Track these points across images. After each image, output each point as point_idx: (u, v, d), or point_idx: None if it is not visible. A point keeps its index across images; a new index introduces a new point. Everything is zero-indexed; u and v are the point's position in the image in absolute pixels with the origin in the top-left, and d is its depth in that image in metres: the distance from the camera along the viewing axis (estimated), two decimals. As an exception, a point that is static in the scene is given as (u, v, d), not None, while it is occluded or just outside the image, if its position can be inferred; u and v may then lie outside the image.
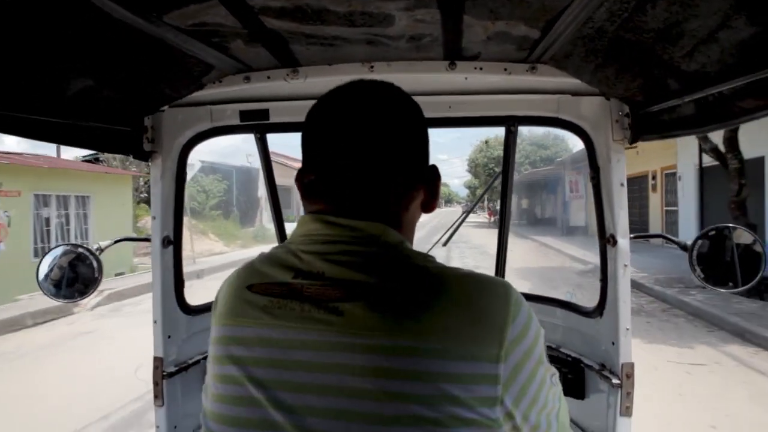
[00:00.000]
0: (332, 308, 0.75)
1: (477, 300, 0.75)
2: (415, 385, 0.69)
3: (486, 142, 39.20)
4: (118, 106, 1.47)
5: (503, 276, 2.12)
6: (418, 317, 0.73)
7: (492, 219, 35.38)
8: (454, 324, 0.72)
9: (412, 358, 0.70)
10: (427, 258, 0.82)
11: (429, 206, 0.91)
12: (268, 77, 1.49)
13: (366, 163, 0.84)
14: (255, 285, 0.83)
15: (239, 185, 30.23)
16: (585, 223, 22.73)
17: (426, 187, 0.89)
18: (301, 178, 0.90)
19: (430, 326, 0.72)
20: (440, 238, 2.32)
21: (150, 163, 1.71)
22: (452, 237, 2.32)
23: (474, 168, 43.36)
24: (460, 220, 2.36)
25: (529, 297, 2.10)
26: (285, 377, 0.75)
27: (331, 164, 0.85)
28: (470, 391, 0.70)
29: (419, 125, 0.89)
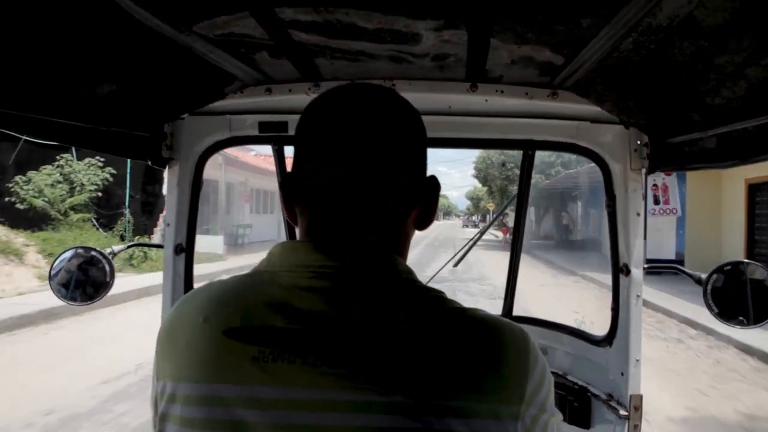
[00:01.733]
0: (342, 360, 0.63)
1: (501, 352, 0.68)
2: None
3: (503, 164, 35.10)
4: (140, 112, 1.49)
5: (512, 309, 2.11)
6: (440, 370, 0.64)
7: (507, 237, 28.52)
8: (478, 379, 0.65)
9: (440, 420, 0.62)
10: (441, 294, 0.73)
11: (426, 222, 0.80)
12: (290, 90, 1.50)
13: (368, 175, 0.73)
14: (236, 330, 0.67)
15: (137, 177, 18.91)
16: (675, 251, 14.61)
17: (424, 201, 0.79)
18: (289, 185, 0.79)
19: (454, 381, 0.64)
20: (452, 258, 2.31)
21: (167, 170, 1.72)
22: (463, 258, 2.31)
23: (482, 174, 38.00)
24: (473, 240, 2.35)
25: (538, 322, 2.09)
26: None
27: (326, 174, 0.73)
28: None
29: (421, 133, 0.80)
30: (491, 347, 0.68)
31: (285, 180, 0.80)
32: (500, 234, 30.52)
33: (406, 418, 0.61)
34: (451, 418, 0.62)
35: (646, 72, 1.15)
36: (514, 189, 23.31)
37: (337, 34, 1.12)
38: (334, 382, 0.62)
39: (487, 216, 73.12)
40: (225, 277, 0.78)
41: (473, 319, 0.70)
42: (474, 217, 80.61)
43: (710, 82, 1.07)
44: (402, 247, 0.78)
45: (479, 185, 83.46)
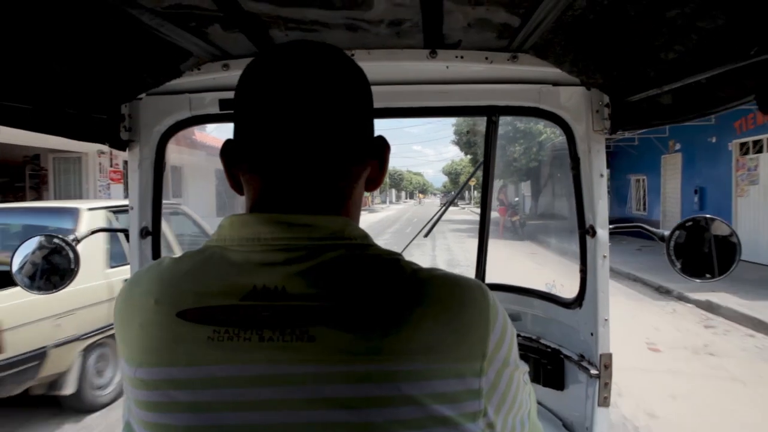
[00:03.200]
0: (300, 333, 0.62)
1: (459, 310, 0.66)
2: (405, 410, 0.61)
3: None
4: (94, 92, 1.45)
5: (484, 279, 2.12)
6: (399, 334, 0.62)
7: (514, 220, 22.47)
8: (438, 339, 0.63)
9: (399, 383, 0.61)
10: (396, 257, 0.71)
11: (377, 182, 0.79)
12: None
13: (315, 136, 0.70)
14: (189, 311, 0.65)
15: None
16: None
17: (374, 161, 0.77)
18: (230, 151, 0.76)
19: (414, 344, 0.62)
20: (421, 230, 2.31)
21: (127, 153, 1.69)
22: (433, 229, 2.32)
23: (464, 139, 32.01)
24: (441, 210, 2.36)
25: (510, 288, 2.11)
26: (253, 420, 0.62)
27: (271, 138, 0.70)
28: (457, 409, 0.64)
29: (366, 90, 0.77)
30: (450, 305, 0.66)
31: (226, 148, 0.76)
32: (499, 215, 22.71)
33: (366, 386, 0.61)
34: (413, 382, 0.61)
35: (601, 30, 1.15)
36: (502, 155, 21.93)
37: (287, 2, 1.10)
38: (291, 355, 0.61)
39: (469, 193, 68.61)
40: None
41: (430, 279, 0.68)
42: (451, 194, 78.07)
43: (663, 37, 1.08)
44: (355, 209, 0.77)
45: (456, 159, 78.22)
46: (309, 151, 0.70)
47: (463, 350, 0.65)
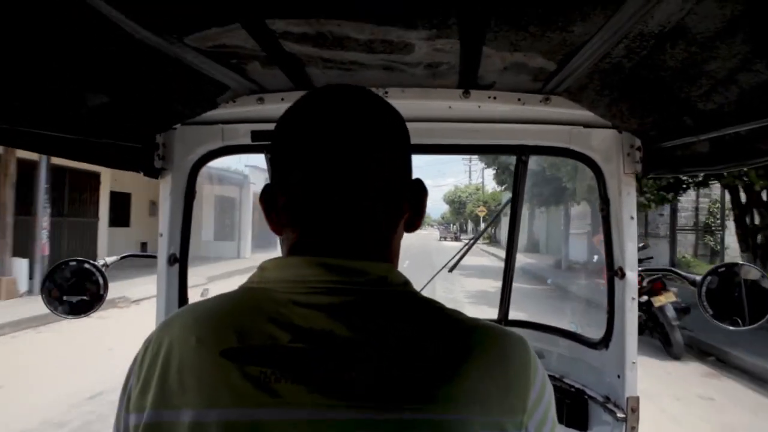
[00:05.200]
0: (348, 379, 0.61)
1: (503, 363, 0.66)
2: None
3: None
4: (132, 123, 1.48)
5: (507, 316, 2.11)
6: (448, 385, 0.62)
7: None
8: (484, 391, 0.63)
9: None
10: (440, 305, 0.71)
11: (415, 225, 0.78)
12: (282, 99, 1.50)
13: (357, 181, 0.70)
14: (234, 350, 0.63)
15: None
16: None
17: (411, 205, 0.76)
18: (270, 197, 0.75)
19: (461, 396, 0.61)
20: (445, 265, 2.31)
21: (159, 181, 1.71)
22: (458, 264, 2.32)
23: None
24: (467, 247, 2.36)
25: (534, 326, 2.09)
26: None
27: (313, 183, 0.70)
28: None
29: (405, 134, 0.77)
30: (495, 358, 0.66)
31: (265, 191, 0.76)
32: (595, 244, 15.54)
33: None
34: (459, 430, 0.60)
35: (637, 78, 1.16)
36: (546, 192, 19.92)
37: (328, 45, 1.12)
38: (338, 402, 0.60)
39: (467, 226, 60.86)
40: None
41: (476, 329, 0.68)
42: (453, 227, 65.80)
43: (702, 88, 1.08)
44: (394, 253, 0.77)
45: (461, 185, 66.28)
46: (353, 197, 0.70)
47: (506, 404, 0.64)
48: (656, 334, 7.99)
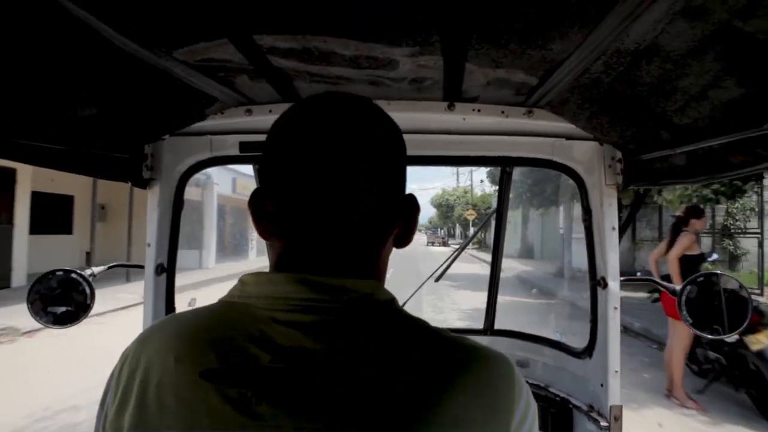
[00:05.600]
0: (331, 401, 0.59)
1: (488, 383, 0.64)
2: None
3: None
4: (120, 134, 1.49)
5: (493, 325, 2.13)
6: (433, 406, 0.60)
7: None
8: (469, 412, 0.61)
9: None
10: (423, 323, 0.69)
11: (405, 241, 0.76)
12: (270, 111, 1.51)
13: (344, 196, 0.67)
14: (213, 371, 0.61)
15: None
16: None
17: (403, 220, 0.74)
18: (259, 202, 0.72)
19: (447, 416, 0.60)
20: (431, 276, 2.33)
21: (148, 191, 1.72)
22: (444, 274, 2.33)
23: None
24: (453, 256, 2.38)
25: (519, 335, 2.11)
26: None
27: (300, 196, 0.68)
28: None
29: (401, 147, 0.75)
30: (480, 378, 0.64)
31: (254, 197, 0.73)
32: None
33: None
34: None
35: (616, 92, 1.19)
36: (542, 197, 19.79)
37: (315, 61, 1.14)
38: (320, 425, 0.58)
39: (455, 231, 58.75)
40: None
41: (461, 350, 0.67)
42: (441, 232, 64.44)
43: (677, 103, 1.11)
44: (381, 270, 0.75)
45: (448, 189, 62.29)
46: (342, 212, 0.68)
47: (491, 425, 0.63)
48: (745, 386, 5.44)
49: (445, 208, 59.46)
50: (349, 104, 0.72)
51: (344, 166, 0.67)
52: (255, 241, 24.71)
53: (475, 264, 23.86)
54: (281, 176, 0.69)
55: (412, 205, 0.76)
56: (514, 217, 34.82)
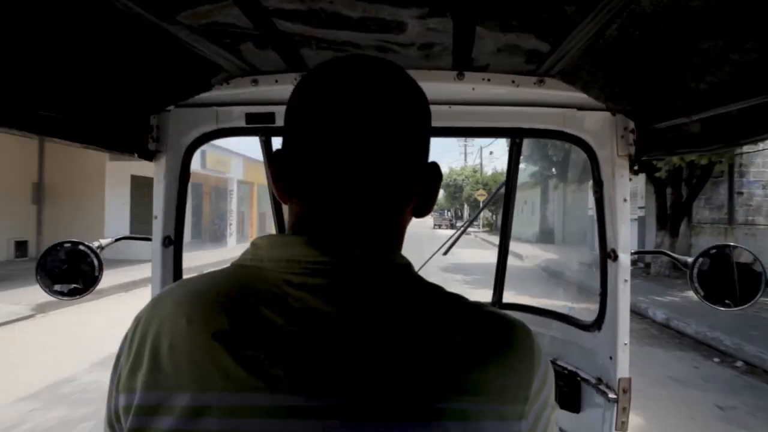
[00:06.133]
0: (346, 364, 0.58)
1: (507, 351, 0.63)
2: None
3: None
4: (125, 104, 1.47)
5: (501, 299, 2.12)
6: (446, 371, 0.59)
7: None
8: (486, 380, 0.60)
9: (447, 422, 0.57)
10: (440, 288, 0.68)
11: (426, 210, 0.74)
12: (276, 81, 1.49)
13: (374, 160, 0.66)
14: (225, 332, 0.60)
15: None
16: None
17: (425, 189, 0.73)
18: (279, 163, 0.71)
19: (464, 383, 0.59)
20: (439, 248, 2.31)
21: (153, 163, 1.71)
22: (452, 247, 2.32)
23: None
24: (460, 231, 2.36)
25: (528, 309, 2.10)
26: None
27: (317, 153, 0.67)
28: None
29: (427, 112, 0.74)
30: (499, 345, 0.63)
31: (275, 158, 0.72)
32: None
33: (408, 424, 0.57)
34: (459, 421, 0.57)
35: (631, 58, 1.16)
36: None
37: (321, 24, 1.12)
38: (334, 387, 0.57)
39: (464, 212, 53.78)
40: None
41: (479, 314, 0.66)
42: (448, 213, 58.96)
43: (694, 68, 1.08)
44: (399, 237, 0.73)
45: (456, 168, 59.40)
46: (365, 175, 0.67)
47: (508, 393, 0.62)
48: None
49: (452, 188, 56.04)
50: (368, 66, 0.71)
51: (353, 127, 0.66)
52: (234, 225, 22.80)
53: (487, 250, 20.87)
54: (300, 137, 0.69)
55: (434, 173, 0.73)
56: (531, 196, 33.23)
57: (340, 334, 0.60)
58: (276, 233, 0.70)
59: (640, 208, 17.12)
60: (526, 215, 34.14)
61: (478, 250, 21.13)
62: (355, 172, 0.66)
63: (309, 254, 0.64)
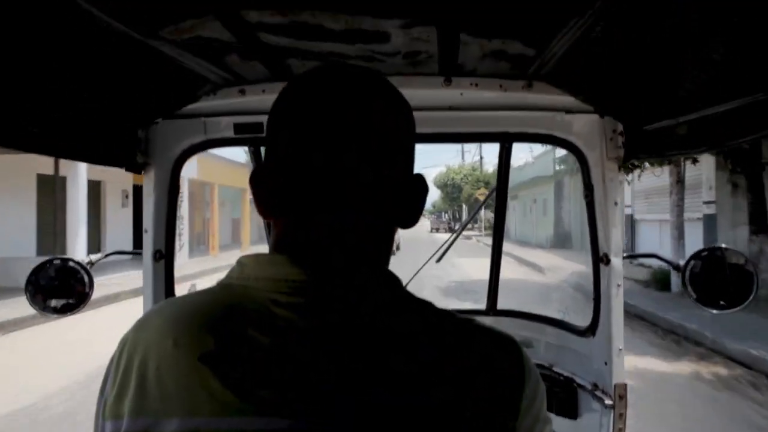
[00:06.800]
0: (336, 383, 0.57)
1: (495, 366, 0.63)
2: None
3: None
4: (111, 118, 1.47)
5: (495, 305, 2.12)
6: (439, 388, 0.59)
7: None
8: (475, 394, 0.60)
9: None
10: (429, 303, 0.67)
11: (412, 222, 0.73)
12: (263, 91, 1.49)
13: (356, 176, 0.66)
14: (211, 354, 0.59)
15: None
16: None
17: (410, 201, 0.72)
18: (261, 180, 0.69)
19: (449, 397, 0.58)
20: (432, 256, 2.31)
21: (142, 176, 1.70)
22: (445, 254, 2.31)
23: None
24: (453, 237, 2.36)
25: (522, 315, 2.09)
26: None
27: (301, 171, 0.66)
28: None
29: (411, 123, 0.73)
30: (487, 362, 0.63)
31: (256, 174, 0.70)
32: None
33: None
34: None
35: (617, 60, 1.16)
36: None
37: (305, 36, 1.12)
38: (324, 410, 0.56)
39: (461, 214, 51.64)
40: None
41: (468, 330, 0.65)
42: (445, 216, 58.36)
43: (679, 69, 1.08)
44: (385, 252, 0.72)
45: (454, 166, 54.31)
46: (347, 191, 0.66)
47: (496, 407, 0.61)
48: None
49: (450, 188, 52.46)
50: (354, 75, 0.70)
51: (337, 143, 0.65)
52: (185, 236, 18.36)
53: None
54: (285, 152, 0.67)
55: (419, 184, 0.73)
56: (542, 193, 29.14)
57: (328, 354, 0.59)
58: (261, 253, 0.69)
59: (706, 203, 12.91)
60: (536, 215, 31.09)
61: (484, 260, 18.85)
62: (345, 189, 0.66)
63: (295, 273, 0.63)
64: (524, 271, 16.73)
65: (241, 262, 0.68)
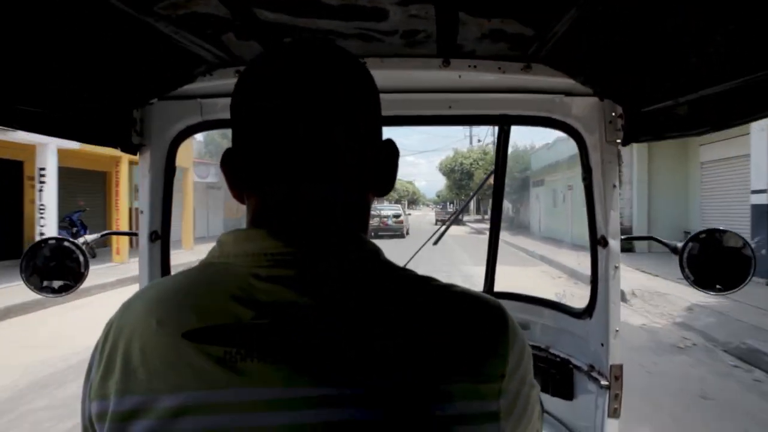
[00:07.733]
0: (316, 354, 0.58)
1: (480, 329, 0.63)
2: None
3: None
4: (107, 97, 1.45)
5: (492, 288, 2.12)
6: (422, 354, 0.59)
7: None
8: (461, 359, 0.60)
9: (421, 407, 0.57)
10: (409, 271, 0.68)
11: (385, 189, 0.74)
12: None
13: (322, 146, 0.67)
14: (196, 331, 0.60)
15: None
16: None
17: (383, 167, 0.73)
18: (230, 161, 0.72)
19: (437, 364, 0.59)
20: (429, 239, 2.30)
21: (138, 157, 1.69)
22: (441, 237, 2.31)
23: None
24: (450, 220, 2.36)
25: (519, 297, 2.10)
26: None
27: (274, 148, 0.67)
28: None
29: (373, 88, 0.74)
30: (471, 325, 0.63)
31: (226, 158, 0.72)
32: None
33: (386, 409, 0.57)
34: (433, 403, 0.58)
35: (616, 41, 1.15)
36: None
37: (301, 13, 1.10)
38: (307, 378, 0.57)
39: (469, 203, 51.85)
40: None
41: (450, 296, 0.65)
42: (451, 207, 56.24)
43: (679, 49, 1.07)
44: (363, 220, 0.73)
45: (463, 150, 49.24)
46: (315, 162, 0.67)
47: (483, 371, 0.62)
48: None
49: (459, 174, 47.75)
50: (312, 49, 0.70)
51: (314, 114, 0.66)
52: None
53: (532, 267, 14.95)
54: (251, 130, 0.69)
55: (391, 150, 0.74)
56: (568, 180, 22.39)
57: (312, 324, 0.59)
58: (239, 229, 0.69)
59: (755, 192, 10.72)
60: (571, 206, 21.47)
61: (519, 269, 12.94)
62: (313, 160, 0.67)
63: (275, 246, 0.64)
64: (563, 283, 11.56)
65: (220, 241, 0.69)
